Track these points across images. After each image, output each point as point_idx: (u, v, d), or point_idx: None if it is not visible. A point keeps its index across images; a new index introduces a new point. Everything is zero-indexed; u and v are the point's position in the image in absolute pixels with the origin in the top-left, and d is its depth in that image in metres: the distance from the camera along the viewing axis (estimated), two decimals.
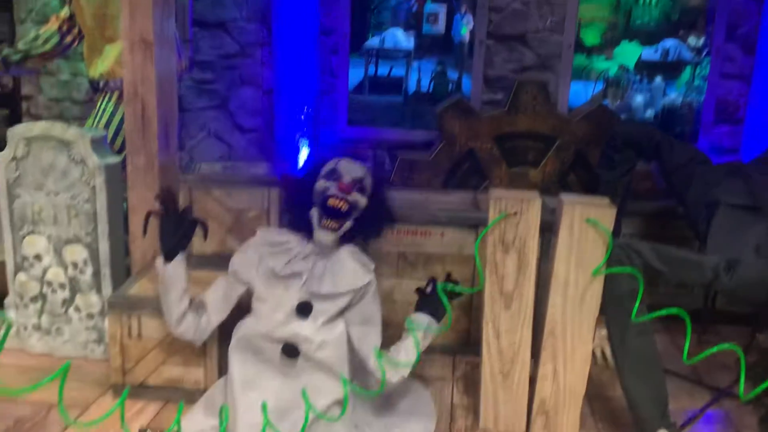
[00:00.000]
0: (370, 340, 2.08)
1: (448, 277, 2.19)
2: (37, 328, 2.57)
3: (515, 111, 3.31)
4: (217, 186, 2.59)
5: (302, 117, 3.74)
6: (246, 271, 2.08)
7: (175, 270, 2.03)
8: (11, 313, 2.59)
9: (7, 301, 2.61)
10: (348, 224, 2.04)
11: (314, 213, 2.03)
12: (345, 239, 2.10)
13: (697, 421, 2.37)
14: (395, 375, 2.06)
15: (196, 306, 2.12)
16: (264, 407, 1.80)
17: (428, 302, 2.14)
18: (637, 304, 1.96)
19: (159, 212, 2.03)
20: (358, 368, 2.17)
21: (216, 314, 2.12)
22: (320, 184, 2.05)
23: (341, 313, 2.07)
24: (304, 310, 2.01)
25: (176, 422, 1.61)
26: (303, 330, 2.00)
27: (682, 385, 2.59)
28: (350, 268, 2.07)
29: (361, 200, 2.05)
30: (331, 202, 1.99)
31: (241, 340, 2.07)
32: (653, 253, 2.04)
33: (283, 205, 2.22)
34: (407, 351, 2.07)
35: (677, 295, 3.18)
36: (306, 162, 2.18)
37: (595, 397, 2.46)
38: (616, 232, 2.46)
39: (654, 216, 3.19)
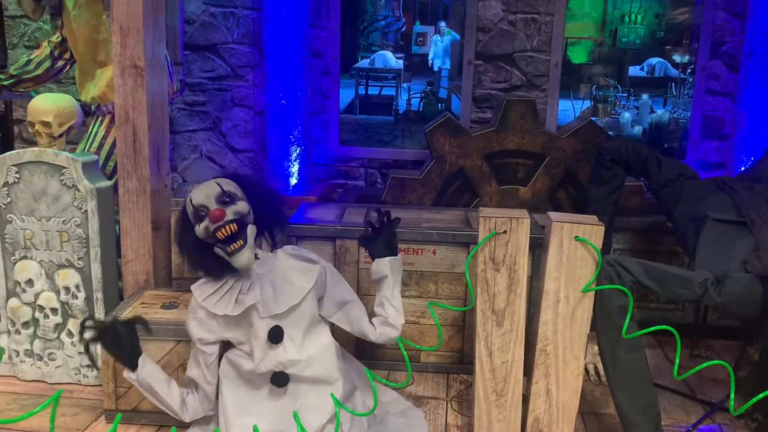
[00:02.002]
0: (356, 314, 2.14)
1: (380, 212, 2.19)
2: (29, 354, 2.56)
3: (504, 129, 3.34)
4: None
5: (293, 138, 3.77)
6: (208, 332, 2.05)
7: (147, 372, 2.00)
8: (4, 339, 2.58)
9: (0, 326, 2.61)
10: (251, 230, 1.98)
11: (218, 250, 1.96)
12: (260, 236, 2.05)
13: None
14: (393, 331, 2.14)
15: (189, 387, 2.12)
16: (255, 430, 1.80)
17: (378, 240, 2.16)
18: (627, 321, 1.97)
19: (94, 337, 1.94)
20: (355, 381, 2.18)
21: (209, 384, 2.10)
22: (198, 229, 1.96)
23: (316, 319, 2.08)
24: (276, 335, 2.00)
25: None
26: (286, 355, 2.00)
27: (675, 400, 2.60)
28: (295, 271, 2.06)
29: (241, 206, 1.96)
30: (219, 234, 1.91)
31: (232, 368, 2.07)
32: (642, 269, 2.05)
33: (191, 268, 2.10)
34: (392, 303, 2.15)
35: (669, 311, 3.21)
36: (179, 221, 2.08)
37: (588, 413, 2.47)
38: (606, 248, 2.49)
39: (644, 231, 3.22)
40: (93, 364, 1.96)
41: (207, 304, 2.01)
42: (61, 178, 2.45)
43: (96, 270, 2.49)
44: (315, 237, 2.71)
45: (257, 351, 2.01)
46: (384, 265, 2.15)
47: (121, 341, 1.95)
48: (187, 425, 2.17)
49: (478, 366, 2.19)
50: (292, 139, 3.80)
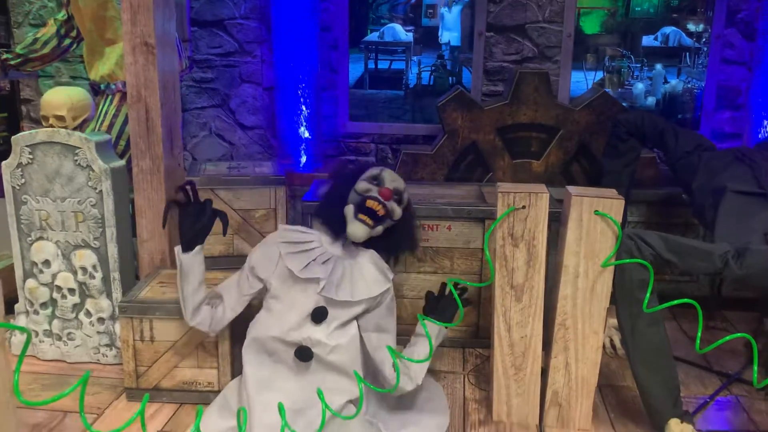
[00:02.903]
0: (384, 348, 2.10)
1: (457, 286, 2.26)
2: (48, 334, 2.57)
3: (517, 102, 3.30)
4: (224, 186, 2.59)
5: (303, 114, 3.73)
6: (264, 268, 2.07)
7: (194, 260, 2.06)
8: (22, 320, 2.60)
9: (18, 307, 2.61)
10: (380, 228, 2.06)
11: (349, 210, 2.05)
12: (367, 246, 2.11)
13: (708, 407, 2.38)
14: (409, 383, 2.11)
15: (212, 298, 2.14)
16: (281, 407, 1.80)
17: (438, 306, 2.23)
18: (648, 295, 1.97)
19: (180, 201, 2.06)
20: (371, 367, 2.19)
21: (231, 309, 2.12)
22: (362, 185, 2.07)
23: (355, 317, 2.08)
24: (319, 315, 2.00)
25: (196, 426, 1.61)
26: (316, 334, 2.00)
27: (691, 372, 2.61)
28: (369, 275, 2.07)
29: (397, 210, 2.09)
30: (370, 203, 2.02)
31: (255, 341, 2.07)
32: (662, 243, 2.04)
33: (320, 197, 2.21)
34: (420, 355, 2.13)
35: (683, 283, 3.20)
36: (348, 165, 2.27)
37: (605, 386, 2.48)
38: (622, 221, 2.48)
39: (658, 203, 3.20)
40: (165, 219, 2.12)
41: (282, 249, 2.05)
42: (75, 158, 2.44)
43: (112, 250, 2.49)
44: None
45: (294, 318, 2.01)
46: (433, 330, 2.17)
47: (198, 219, 2.05)
48: (209, 402, 2.18)
49: (496, 341, 2.19)
50: (302, 115, 3.76)
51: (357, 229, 2.02)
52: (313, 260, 2.03)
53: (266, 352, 2.07)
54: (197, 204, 2.08)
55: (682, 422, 2.08)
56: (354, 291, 2.02)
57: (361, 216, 2.02)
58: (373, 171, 2.12)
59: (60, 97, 2.96)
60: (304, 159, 3.83)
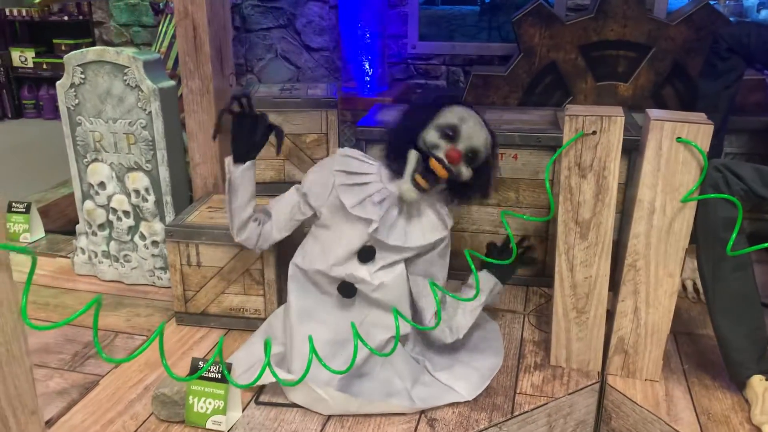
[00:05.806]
0: (430, 298, 1.96)
1: (522, 243, 2.07)
2: (107, 255, 2.61)
3: (604, 16, 2.94)
4: (273, 109, 2.47)
5: (368, 34, 3.51)
6: (316, 196, 1.92)
7: (244, 175, 1.90)
8: (83, 240, 2.64)
9: (78, 227, 2.66)
10: (440, 187, 1.83)
11: (412, 157, 1.78)
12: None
13: None
14: (448, 335, 1.98)
15: (260, 213, 2.02)
16: (310, 340, 1.72)
17: (499, 265, 2.01)
18: (734, 236, 1.70)
19: (233, 111, 1.87)
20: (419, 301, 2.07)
21: (278, 230, 2.00)
22: (431, 135, 1.78)
23: (403, 260, 1.94)
24: (366, 255, 1.87)
25: (219, 355, 1.56)
26: (360, 272, 1.88)
27: None
28: (426, 220, 1.89)
29: (465, 173, 1.80)
30: (433, 165, 1.75)
31: (299, 270, 1.99)
32: (756, 175, 1.75)
33: (389, 126, 1.93)
34: (465, 314, 1.98)
35: None
36: (431, 97, 1.88)
37: (682, 334, 2.25)
38: (715, 151, 2.17)
39: (763, 132, 2.81)
40: (216, 130, 1.93)
41: (337, 178, 1.86)
42: (124, 78, 2.38)
43: (164, 173, 2.45)
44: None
45: (340, 252, 1.88)
46: (488, 282, 1.99)
47: (253, 132, 1.87)
48: (255, 329, 2.15)
49: (557, 281, 2.00)
50: (368, 35, 3.55)
51: (408, 191, 1.77)
52: (369, 197, 1.84)
53: (311, 282, 1.98)
54: (252, 116, 1.88)
55: (766, 379, 1.84)
56: (407, 236, 1.86)
57: (417, 178, 1.76)
58: (451, 119, 1.79)
59: None
60: (368, 82, 3.64)
